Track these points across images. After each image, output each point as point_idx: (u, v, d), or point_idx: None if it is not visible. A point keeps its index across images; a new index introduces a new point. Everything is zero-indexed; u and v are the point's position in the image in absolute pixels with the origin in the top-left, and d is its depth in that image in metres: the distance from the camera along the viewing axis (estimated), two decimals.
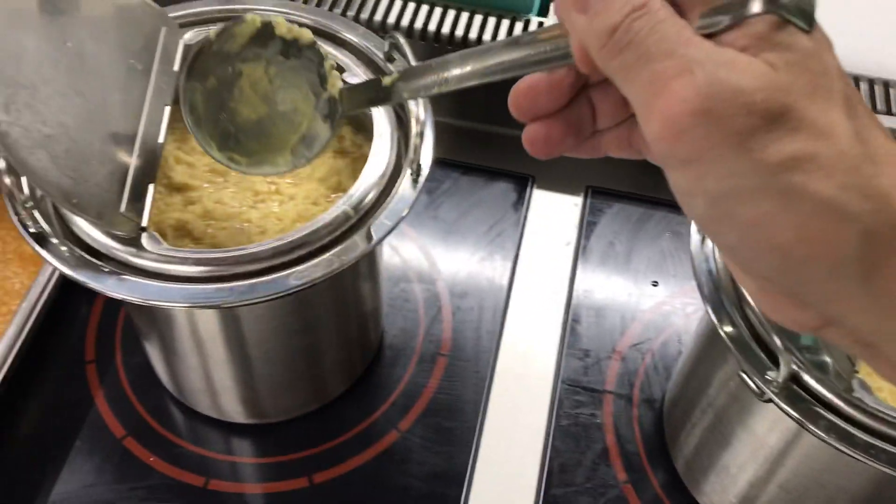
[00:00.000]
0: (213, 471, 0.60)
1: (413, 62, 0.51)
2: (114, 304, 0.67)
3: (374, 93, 0.39)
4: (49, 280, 0.61)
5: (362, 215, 0.48)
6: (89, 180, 0.42)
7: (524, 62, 0.31)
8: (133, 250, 0.44)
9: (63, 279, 0.63)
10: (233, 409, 0.61)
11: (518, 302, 0.69)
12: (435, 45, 0.73)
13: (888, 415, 0.41)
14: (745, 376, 0.43)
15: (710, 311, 0.45)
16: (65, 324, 0.66)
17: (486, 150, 0.79)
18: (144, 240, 0.44)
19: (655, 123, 0.25)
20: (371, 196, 0.49)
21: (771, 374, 0.42)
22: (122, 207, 0.43)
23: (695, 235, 0.48)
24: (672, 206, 0.75)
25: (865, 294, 0.25)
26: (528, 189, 0.77)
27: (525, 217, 0.75)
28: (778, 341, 0.42)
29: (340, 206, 0.47)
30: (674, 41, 0.25)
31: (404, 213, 0.48)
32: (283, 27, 0.44)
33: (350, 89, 0.44)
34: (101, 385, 0.63)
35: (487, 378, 0.65)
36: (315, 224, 0.46)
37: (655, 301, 0.70)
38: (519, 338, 0.67)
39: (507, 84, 0.32)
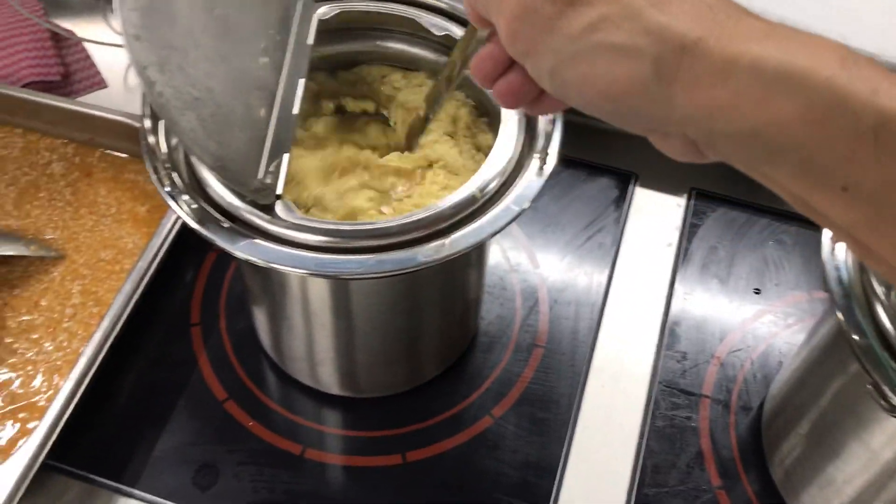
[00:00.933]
0: (310, 440, 0.61)
1: None
2: (220, 271, 0.69)
3: None
4: (163, 242, 0.63)
5: (486, 200, 0.48)
6: (231, 145, 0.43)
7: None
8: (266, 216, 0.45)
9: (175, 243, 0.64)
10: (331, 381, 0.62)
11: (616, 300, 0.69)
12: None
13: None
14: (873, 389, 0.42)
15: (841, 319, 0.44)
16: (172, 287, 0.68)
17: (589, 144, 0.79)
18: (279, 208, 0.45)
19: (502, 35, 0.35)
20: (496, 182, 0.49)
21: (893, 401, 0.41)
22: (260, 174, 0.44)
23: (826, 243, 0.47)
24: (776, 213, 0.75)
25: (673, 103, 0.31)
26: (631, 186, 0.76)
27: (626, 215, 0.74)
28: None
29: (468, 188, 0.47)
30: None
31: (528, 202, 0.47)
32: None
33: None
34: (205, 348, 0.65)
35: (583, 373, 0.64)
36: (442, 205, 0.46)
37: (757, 309, 0.69)
38: (616, 335, 0.67)
39: None
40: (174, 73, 0.41)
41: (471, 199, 0.47)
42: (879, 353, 0.43)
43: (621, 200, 0.75)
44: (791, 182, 0.30)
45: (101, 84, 0.80)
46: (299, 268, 0.44)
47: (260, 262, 0.44)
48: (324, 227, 0.45)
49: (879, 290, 0.44)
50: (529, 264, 0.71)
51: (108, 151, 0.72)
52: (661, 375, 0.65)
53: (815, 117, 0.27)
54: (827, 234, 0.48)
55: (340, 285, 0.52)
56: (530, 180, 0.49)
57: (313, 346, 0.59)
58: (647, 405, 0.63)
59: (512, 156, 0.50)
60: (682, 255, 0.72)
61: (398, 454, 0.60)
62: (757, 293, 0.70)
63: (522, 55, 0.34)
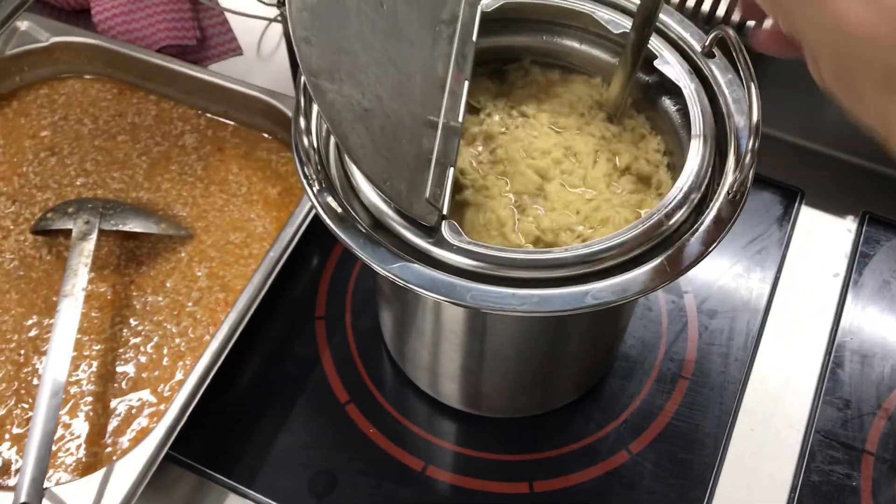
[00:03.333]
0: (432, 456, 0.57)
1: (746, 59, 0.45)
2: (348, 263, 0.66)
3: None
4: (296, 232, 0.60)
5: (672, 232, 0.43)
6: (400, 161, 0.39)
7: None
8: (429, 238, 0.41)
9: (306, 231, 0.61)
10: (454, 397, 0.58)
11: (774, 332, 0.63)
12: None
13: None
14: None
15: None
16: (298, 275, 0.65)
17: None
18: (445, 230, 0.40)
19: None
20: (684, 211, 0.43)
21: None
22: (427, 192, 0.40)
23: None
24: None
25: None
26: (797, 204, 0.69)
27: (790, 235, 0.67)
28: None
29: (655, 213, 0.42)
30: None
31: (716, 243, 0.42)
32: None
33: None
34: (329, 344, 0.62)
35: (732, 412, 0.59)
36: (626, 233, 0.41)
37: None
38: (771, 374, 0.61)
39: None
40: (344, 80, 0.37)
41: (658, 225, 0.42)
42: None
43: (785, 219, 0.68)
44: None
45: (237, 51, 0.77)
46: (455, 299, 0.40)
47: (415, 290, 0.40)
48: (486, 254, 0.41)
49: None
50: (679, 283, 0.65)
51: (242, 126, 0.69)
52: (818, 423, 0.59)
53: None
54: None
55: (480, 312, 0.47)
56: (721, 213, 0.43)
57: (440, 359, 0.55)
58: (802, 456, 0.57)
59: (699, 179, 0.44)
60: (851, 286, 0.65)
61: (525, 482, 0.56)
62: None
63: None
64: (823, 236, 0.67)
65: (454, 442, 0.58)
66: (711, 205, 0.43)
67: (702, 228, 0.42)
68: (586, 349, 0.55)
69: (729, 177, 0.44)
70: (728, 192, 0.43)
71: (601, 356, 0.58)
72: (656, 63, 0.48)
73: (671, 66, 0.48)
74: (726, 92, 0.47)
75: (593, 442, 0.58)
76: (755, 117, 0.42)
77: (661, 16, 0.50)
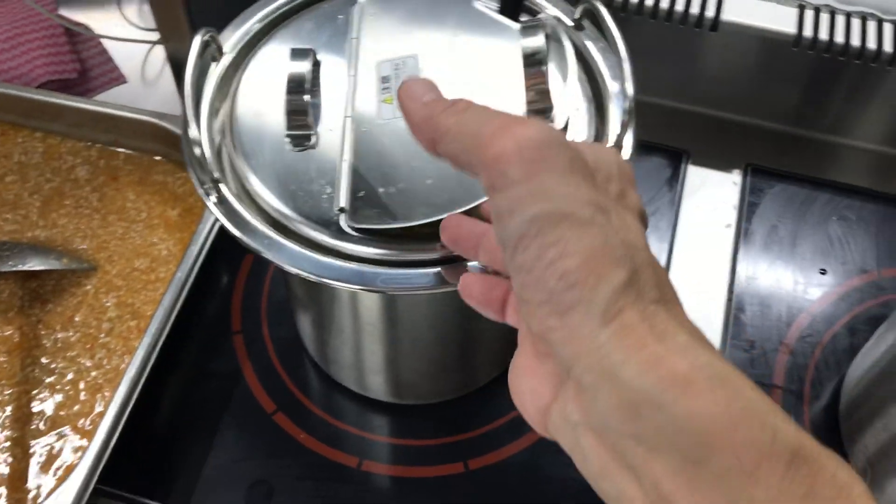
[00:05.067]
0: (366, 451, 0.58)
1: (618, 36, 0.47)
2: (258, 275, 0.66)
3: None
4: (201, 250, 0.60)
5: None
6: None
7: None
8: (330, 232, 0.42)
9: (211, 248, 0.61)
10: (382, 389, 0.59)
11: (676, 288, 0.65)
12: (636, 17, 0.69)
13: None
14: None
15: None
16: (209, 293, 0.64)
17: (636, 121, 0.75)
18: (343, 221, 0.41)
19: (503, 143, 0.28)
20: None
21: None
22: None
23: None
24: (838, 188, 0.71)
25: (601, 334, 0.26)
26: (683, 164, 0.72)
27: (680, 195, 0.71)
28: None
29: None
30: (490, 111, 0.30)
31: None
32: None
33: None
34: (249, 357, 0.62)
35: None
36: None
37: (824, 291, 0.65)
38: None
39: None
40: None
41: None
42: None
43: (674, 180, 0.72)
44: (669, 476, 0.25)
45: (120, 79, 0.76)
46: (366, 285, 0.41)
47: (327, 282, 0.41)
48: (388, 237, 0.42)
49: None
50: None
51: (134, 153, 0.69)
52: None
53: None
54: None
55: (393, 297, 0.48)
56: None
57: (362, 354, 0.56)
58: None
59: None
60: (743, 236, 0.68)
61: (460, 462, 0.57)
62: (823, 273, 0.66)
63: (511, 179, 0.28)
64: (712, 192, 0.71)
65: (386, 434, 0.59)
66: None
67: None
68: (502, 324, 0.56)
69: (611, 140, 0.46)
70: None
71: (516, 330, 0.59)
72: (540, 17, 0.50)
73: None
74: (599, 60, 0.49)
75: (520, 414, 0.59)
76: (628, 81, 0.45)
77: None
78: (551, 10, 0.51)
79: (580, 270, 0.27)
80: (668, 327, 0.27)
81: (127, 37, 0.75)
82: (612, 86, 0.48)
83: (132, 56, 0.78)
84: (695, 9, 0.68)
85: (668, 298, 0.29)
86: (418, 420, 0.59)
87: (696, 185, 0.71)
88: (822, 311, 0.64)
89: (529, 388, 0.31)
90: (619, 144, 0.45)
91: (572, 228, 0.27)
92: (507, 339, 0.59)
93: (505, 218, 0.28)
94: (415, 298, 0.49)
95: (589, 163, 0.29)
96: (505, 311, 0.36)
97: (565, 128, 0.46)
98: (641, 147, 0.73)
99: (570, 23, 0.51)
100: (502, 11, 0.49)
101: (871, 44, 0.67)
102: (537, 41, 0.45)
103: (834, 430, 0.59)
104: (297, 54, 0.46)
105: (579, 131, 0.46)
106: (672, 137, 0.74)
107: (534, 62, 0.45)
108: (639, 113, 0.76)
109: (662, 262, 0.67)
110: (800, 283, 0.66)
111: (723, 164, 0.73)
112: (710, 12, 0.68)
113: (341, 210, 0.42)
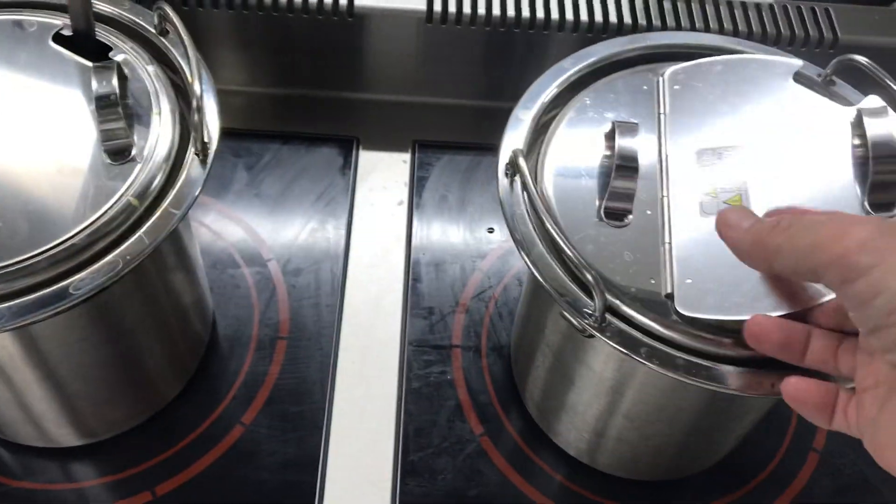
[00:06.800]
0: (53, 502, 0.55)
1: (186, 36, 0.47)
2: None
3: None
4: None
5: (150, 203, 0.44)
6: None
7: None
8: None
9: None
10: (59, 434, 0.56)
11: (356, 270, 0.67)
12: (214, 11, 0.69)
13: (702, 335, 0.41)
14: (566, 315, 0.42)
15: (523, 255, 0.44)
16: None
17: (305, 116, 0.76)
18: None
19: (845, 243, 0.32)
20: (158, 182, 0.45)
21: (589, 309, 0.42)
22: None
23: (502, 179, 0.47)
24: (496, 149, 0.74)
25: None
26: (354, 151, 0.74)
27: (354, 180, 0.72)
28: (590, 276, 0.41)
29: (121, 196, 0.43)
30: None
31: (191, 200, 0.44)
32: None
33: None
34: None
35: (332, 353, 0.62)
36: (96, 221, 0.42)
37: (493, 247, 0.69)
38: (361, 307, 0.65)
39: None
40: None
41: (128, 209, 0.43)
42: (564, 280, 0.43)
43: (346, 167, 0.73)
44: None
45: None
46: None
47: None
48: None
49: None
50: (261, 254, 0.67)
51: None
52: (410, 336, 0.64)
53: None
54: (502, 172, 0.47)
55: (20, 334, 0.46)
56: (192, 176, 0.45)
57: (24, 403, 0.53)
58: (401, 369, 0.62)
59: (168, 152, 0.45)
60: (415, 209, 0.71)
61: (147, 491, 0.56)
62: (491, 232, 0.70)
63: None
64: (383, 173, 0.73)
65: (73, 479, 0.57)
66: (183, 169, 0.45)
67: (174, 194, 0.44)
68: (157, 338, 0.55)
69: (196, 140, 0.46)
70: (196, 154, 0.45)
71: (181, 341, 0.58)
72: (112, 55, 0.49)
73: (130, 57, 0.49)
74: (182, 64, 0.49)
75: (207, 428, 0.59)
76: (195, 82, 0.45)
77: (105, 7, 0.51)
78: (132, 19, 0.50)
79: None
80: None
81: None
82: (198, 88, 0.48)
83: None
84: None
85: None
86: (103, 458, 0.57)
87: (369, 170, 0.73)
88: (493, 267, 0.68)
89: None
90: (202, 144, 0.45)
91: None
92: (177, 353, 0.57)
93: (868, 301, 0.32)
94: (44, 332, 0.47)
95: None
96: (833, 417, 0.37)
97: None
98: (311, 140, 0.75)
99: (153, 30, 0.50)
100: (77, 51, 0.48)
101: (511, 12, 0.70)
102: (109, 85, 0.44)
103: (511, 379, 0.62)
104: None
105: (155, 139, 0.46)
106: (342, 127, 0.75)
107: (108, 103, 0.44)
108: (306, 107, 0.78)
109: (342, 246, 0.68)
110: (470, 245, 0.69)
111: (393, 145, 0.75)
112: (343, 0, 0.69)
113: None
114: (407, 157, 0.74)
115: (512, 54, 0.73)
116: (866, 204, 0.43)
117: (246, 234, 0.68)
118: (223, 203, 0.69)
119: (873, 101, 0.47)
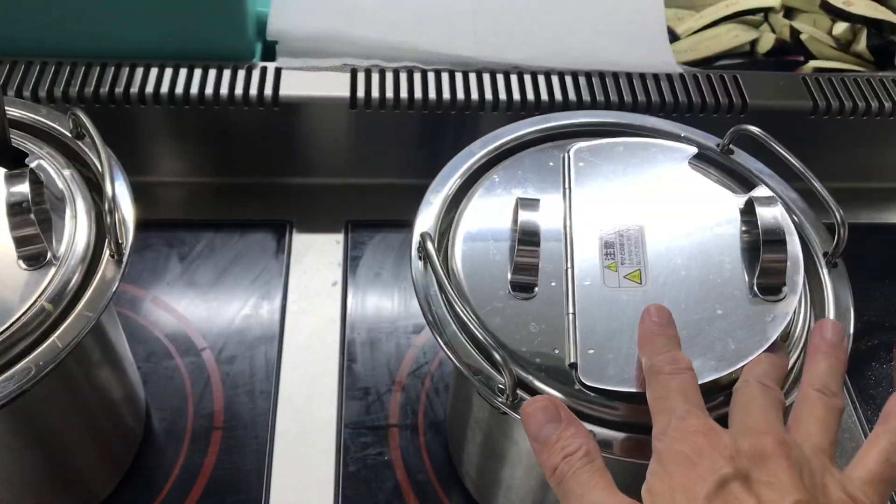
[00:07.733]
0: None
1: (98, 140, 0.48)
2: None
3: None
4: None
5: (65, 306, 0.45)
6: None
7: None
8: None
9: None
10: None
11: (291, 354, 0.67)
12: (141, 107, 0.70)
13: (604, 403, 0.42)
14: (481, 394, 0.43)
15: (436, 336, 0.45)
16: None
17: (240, 202, 0.77)
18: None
19: None
20: (74, 283, 0.45)
21: (502, 386, 0.42)
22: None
23: (416, 262, 0.48)
24: None
25: None
26: (288, 235, 0.75)
27: (287, 264, 0.73)
28: (498, 356, 0.42)
29: (35, 301, 0.43)
30: (585, 485, 0.37)
31: (106, 301, 0.44)
32: None
33: None
34: None
35: (267, 441, 0.62)
36: (9, 328, 0.42)
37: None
38: (296, 391, 0.65)
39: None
40: None
41: (42, 314, 0.43)
42: (478, 359, 0.44)
43: (280, 251, 0.74)
44: None
45: None
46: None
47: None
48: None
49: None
50: (195, 343, 0.67)
51: None
52: (346, 419, 0.64)
53: None
54: (415, 255, 0.48)
55: None
56: (106, 277, 0.45)
57: None
58: (338, 453, 0.62)
59: (85, 253, 0.46)
60: (349, 289, 0.72)
61: None
62: None
63: None
64: (317, 255, 0.74)
65: None
66: (98, 270, 0.46)
67: (88, 296, 0.45)
68: (86, 437, 0.54)
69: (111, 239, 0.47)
70: (111, 255, 0.46)
71: (111, 437, 0.58)
72: (28, 161, 0.50)
73: (51, 167, 0.50)
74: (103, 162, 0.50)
75: None
76: (107, 185, 0.46)
77: (24, 113, 0.52)
78: (48, 124, 0.51)
79: None
80: None
81: None
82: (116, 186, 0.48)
83: None
84: (254, 90, 0.71)
85: None
86: None
87: (303, 252, 0.74)
88: (428, 342, 0.68)
89: None
90: (116, 243, 0.46)
91: None
92: (107, 450, 0.57)
93: None
94: None
95: None
96: None
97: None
98: (243, 226, 0.75)
99: (69, 135, 0.51)
100: None
101: (432, 95, 0.72)
102: (21, 193, 0.45)
103: (448, 456, 0.62)
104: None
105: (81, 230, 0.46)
106: (275, 211, 0.76)
107: (20, 210, 0.45)
108: (238, 193, 0.79)
109: (276, 330, 0.68)
110: (404, 321, 0.70)
111: (326, 227, 0.76)
112: (268, 91, 0.71)
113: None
114: (340, 237, 0.75)
115: (441, 133, 0.76)
116: (755, 287, 0.46)
117: (179, 324, 0.68)
118: (156, 294, 0.70)
119: (762, 191, 0.50)
